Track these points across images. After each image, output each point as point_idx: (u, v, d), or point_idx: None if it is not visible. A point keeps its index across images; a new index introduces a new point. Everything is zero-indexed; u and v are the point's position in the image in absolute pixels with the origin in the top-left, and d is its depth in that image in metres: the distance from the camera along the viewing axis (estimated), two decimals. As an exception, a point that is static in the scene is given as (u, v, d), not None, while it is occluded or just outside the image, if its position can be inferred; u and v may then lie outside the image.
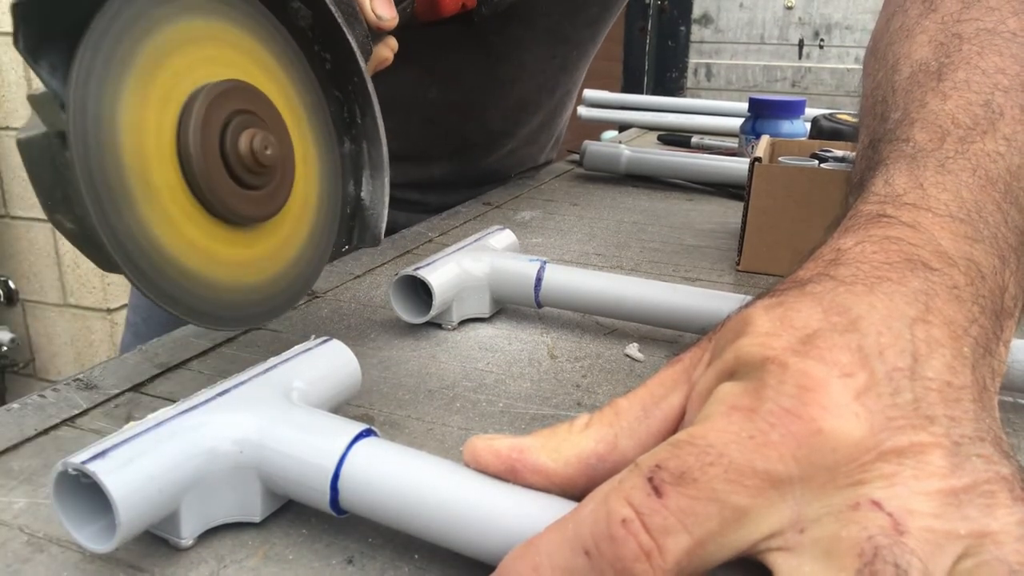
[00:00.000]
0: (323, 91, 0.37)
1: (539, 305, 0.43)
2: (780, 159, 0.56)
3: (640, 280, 0.41)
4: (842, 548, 0.18)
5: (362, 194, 0.39)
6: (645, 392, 0.24)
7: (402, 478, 0.23)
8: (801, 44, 2.83)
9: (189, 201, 0.29)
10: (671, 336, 0.43)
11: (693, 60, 3.02)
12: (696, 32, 3.00)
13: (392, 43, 0.42)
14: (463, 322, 0.44)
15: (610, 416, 0.23)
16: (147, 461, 0.23)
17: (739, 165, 0.77)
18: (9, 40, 1.49)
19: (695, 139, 1.06)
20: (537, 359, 0.40)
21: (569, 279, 0.42)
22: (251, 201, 0.31)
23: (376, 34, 0.40)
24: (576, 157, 0.87)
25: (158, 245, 0.28)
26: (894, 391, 0.19)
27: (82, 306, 1.62)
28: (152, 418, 0.25)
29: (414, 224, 0.64)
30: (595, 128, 1.69)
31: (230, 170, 0.30)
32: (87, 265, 1.58)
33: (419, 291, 0.42)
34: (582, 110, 1.25)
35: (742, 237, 0.54)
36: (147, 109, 0.27)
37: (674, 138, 1.10)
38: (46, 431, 0.31)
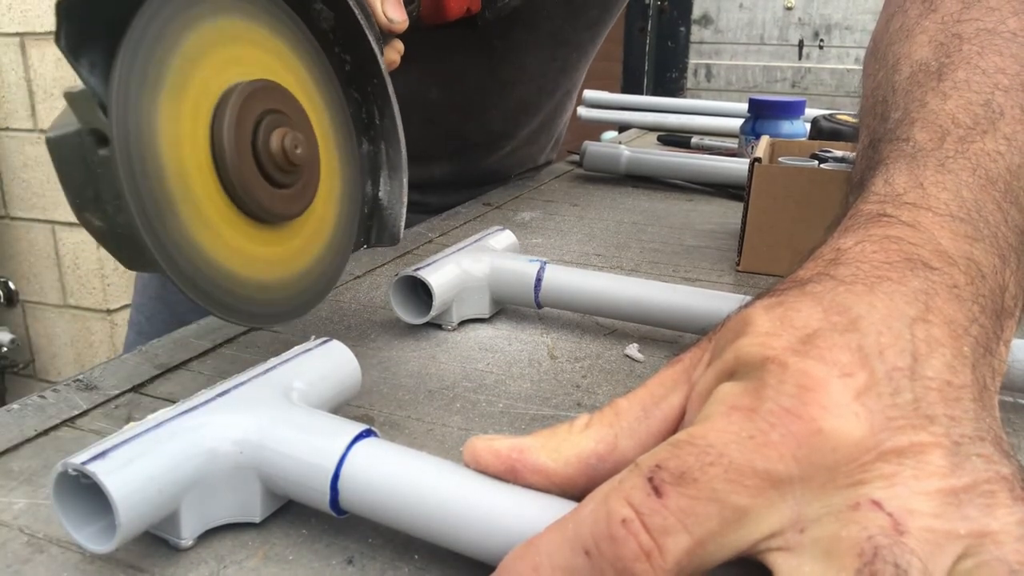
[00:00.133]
0: (343, 92, 0.37)
1: (539, 305, 0.43)
2: (780, 159, 0.56)
3: (640, 280, 0.41)
4: (842, 548, 0.18)
5: (380, 194, 0.40)
6: (645, 392, 0.24)
7: (402, 478, 0.23)
8: (801, 45, 2.83)
9: (223, 200, 0.29)
10: (671, 336, 0.43)
11: (693, 60, 3.02)
12: (696, 33, 3.00)
13: (399, 46, 0.43)
14: (463, 323, 0.44)
15: (610, 416, 0.23)
16: (147, 462, 0.23)
17: (739, 166, 0.77)
18: (10, 41, 1.49)
19: (695, 140, 1.06)
20: (537, 359, 0.40)
21: (569, 279, 0.42)
22: (281, 199, 0.31)
23: (385, 36, 0.41)
24: (576, 158, 0.87)
25: (199, 248, 0.28)
26: (894, 391, 0.19)
27: (82, 307, 1.62)
28: (152, 419, 0.25)
29: (414, 225, 0.64)
30: (595, 129, 1.69)
31: (262, 168, 0.30)
32: (87, 266, 1.58)
33: (419, 292, 0.42)
34: (582, 111, 1.25)
35: (742, 237, 0.54)
36: (183, 109, 0.28)
37: (674, 139, 1.10)
38: (46, 432, 0.31)
